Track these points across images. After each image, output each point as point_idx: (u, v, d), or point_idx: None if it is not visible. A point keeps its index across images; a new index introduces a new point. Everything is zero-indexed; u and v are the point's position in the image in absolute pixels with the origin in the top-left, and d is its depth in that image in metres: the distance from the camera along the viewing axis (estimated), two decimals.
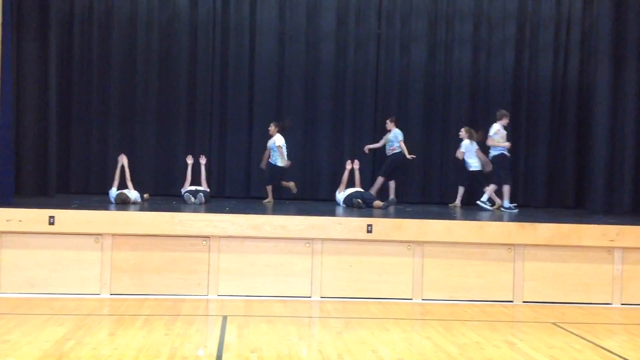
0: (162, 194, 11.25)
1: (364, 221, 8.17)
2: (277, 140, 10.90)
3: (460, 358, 5.75)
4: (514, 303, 8.26)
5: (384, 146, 11.78)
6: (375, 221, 8.19)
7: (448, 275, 8.24)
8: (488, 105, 12.55)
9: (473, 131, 11.41)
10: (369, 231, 8.10)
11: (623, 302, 8.38)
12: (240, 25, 12.17)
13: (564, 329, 7.05)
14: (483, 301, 8.22)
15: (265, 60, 12.21)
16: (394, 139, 11.57)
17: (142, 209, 8.66)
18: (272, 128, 10.99)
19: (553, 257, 8.35)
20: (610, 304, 8.37)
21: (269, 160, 11.05)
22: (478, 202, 11.09)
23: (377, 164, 12.10)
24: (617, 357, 5.96)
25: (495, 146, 10.98)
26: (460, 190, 11.48)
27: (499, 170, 10.98)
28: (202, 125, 12.07)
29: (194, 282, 7.96)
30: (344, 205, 10.49)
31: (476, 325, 7.07)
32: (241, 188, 12.06)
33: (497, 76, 12.64)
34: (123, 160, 9.98)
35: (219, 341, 6.06)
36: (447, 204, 11.75)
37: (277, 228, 8.03)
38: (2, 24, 7.94)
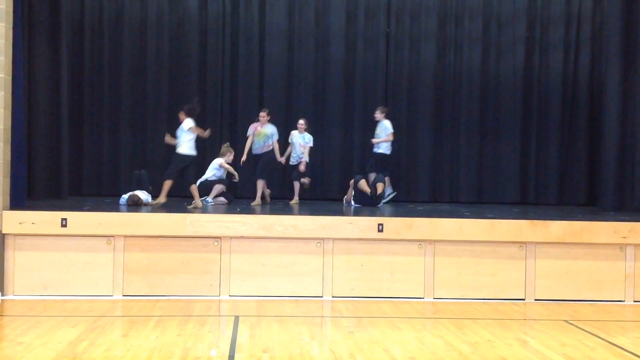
0: (173, 195, 11.26)
1: (375, 220, 8.17)
2: (186, 124, 9.35)
3: (473, 356, 5.74)
4: (525, 301, 8.24)
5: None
6: (386, 220, 8.19)
7: (459, 273, 8.23)
8: (498, 103, 12.54)
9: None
10: (380, 230, 8.11)
11: (636, 299, 8.33)
12: (249, 27, 12.23)
13: (577, 326, 7.02)
14: (495, 299, 8.20)
15: (274, 61, 12.25)
16: (272, 135, 10.86)
17: (153, 210, 8.69)
18: (181, 114, 9.53)
19: (565, 254, 8.32)
20: (623, 301, 8.33)
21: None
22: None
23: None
24: (630, 355, 5.93)
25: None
26: (296, 185, 11.20)
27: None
28: (212, 127, 12.06)
29: (205, 282, 8.00)
30: None
31: (488, 323, 7.05)
32: (252, 189, 12.07)
33: (507, 74, 12.63)
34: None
35: (231, 341, 6.09)
36: (458, 202, 11.75)
37: (288, 228, 8.05)
38: (14, 27, 8.00)
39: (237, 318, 7.02)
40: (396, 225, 8.16)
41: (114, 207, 9.01)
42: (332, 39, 12.36)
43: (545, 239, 8.26)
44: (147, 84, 12.02)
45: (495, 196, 12.47)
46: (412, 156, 12.49)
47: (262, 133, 10.84)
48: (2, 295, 7.72)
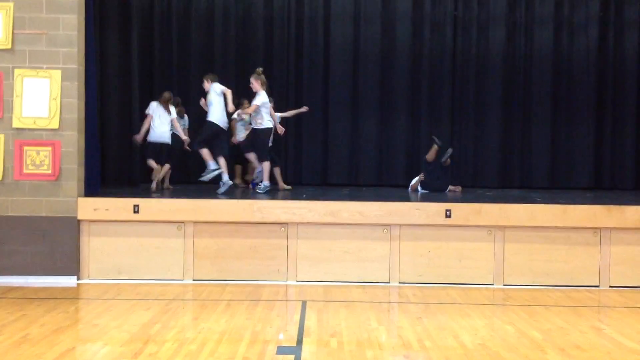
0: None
1: (443, 206, 8.06)
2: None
3: (545, 344, 5.61)
4: (600, 288, 8.00)
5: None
6: (454, 206, 8.07)
7: (531, 260, 8.04)
8: (571, 86, 12.17)
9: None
10: (448, 216, 8.00)
11: None
12: (314, 11, 12.21)
13: None
14: (568, 286, 7.99)
15: (340, 45, 12.20)
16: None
17: (220, 197, 8.80)
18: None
19: None
20: None
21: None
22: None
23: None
24: None
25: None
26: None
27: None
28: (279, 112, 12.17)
29: (273, 268, 8.07)
30: None
31: (561, 310, 6.88)
32: (318, 175, 12.12)
33: (580, 56, 12.24)
34: None
35: (299, 326, 6.12)
36: (529, 188, 11.50)
37: (355, 214, 8.03)
38: (85, 18, 8.20)
39: (304, 303, 7.06)
40: (465, 211, 8.03)
41: (184, 194, 9.17)
42: (398, 22, 12.21)
43: (621, 225, 7.98)
44: (214, 73, 12.14)
45: (568, 181, 12.14)
46: (480, 141, 12.26)
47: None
48: (78, 279, 7.98)
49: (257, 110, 9.41)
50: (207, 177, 9.35)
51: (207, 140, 9.40)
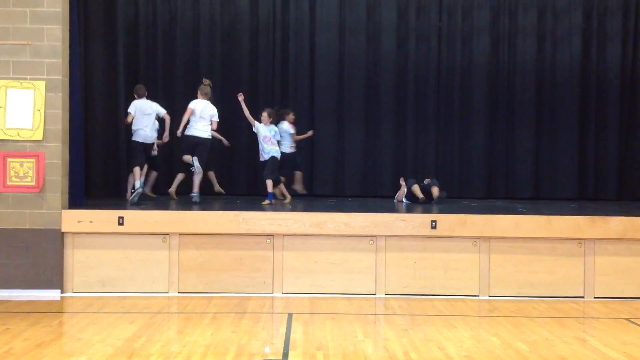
0: (225, 193, 11.35)
1: (428, 217, 8.09)
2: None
3: (530, 355, 5.63)
4: (584, 299, 8.05)
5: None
6: (439, 217, 8.09)
7: (516, 271, 8.08)
8: (554, 97, 12.25)
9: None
10: (433, 227, 8.02)
11: None
12: (300, 22, 12.18)
13: (638, 324, 6.82)
14: (552, 297, 8.03)
15: (325, 56, 12.17)
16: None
17: (205, 208, 8.77)
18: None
19: (626, 251, 8.10)
20: None
21: None
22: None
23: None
24: None
25: None
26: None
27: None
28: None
29: (259, 280, 8.05)
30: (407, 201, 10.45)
31: (546, 321, 6.91)
32: (304, 185, 12.09)
33: (564, 67, 12.28)
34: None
35: (285, 338, 6.10)
36: (514, 198, 11.54)
37: (341, 225, 8.03)
38: (70, 29, 8.16)
39: (290, 315, 7.04)
40: (450, 222, 8.06)
41: (169, 206, 9.13)
42: (383, 33, 12.22)
43: (605, 235, 8.04)
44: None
45: (552, 192, 12.18)
46: (465, 151, 12.30)
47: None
48: (62, 292, 7.91)
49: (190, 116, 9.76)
50: (133, 198, 9.18)
51: (136, 160, 9.64)
